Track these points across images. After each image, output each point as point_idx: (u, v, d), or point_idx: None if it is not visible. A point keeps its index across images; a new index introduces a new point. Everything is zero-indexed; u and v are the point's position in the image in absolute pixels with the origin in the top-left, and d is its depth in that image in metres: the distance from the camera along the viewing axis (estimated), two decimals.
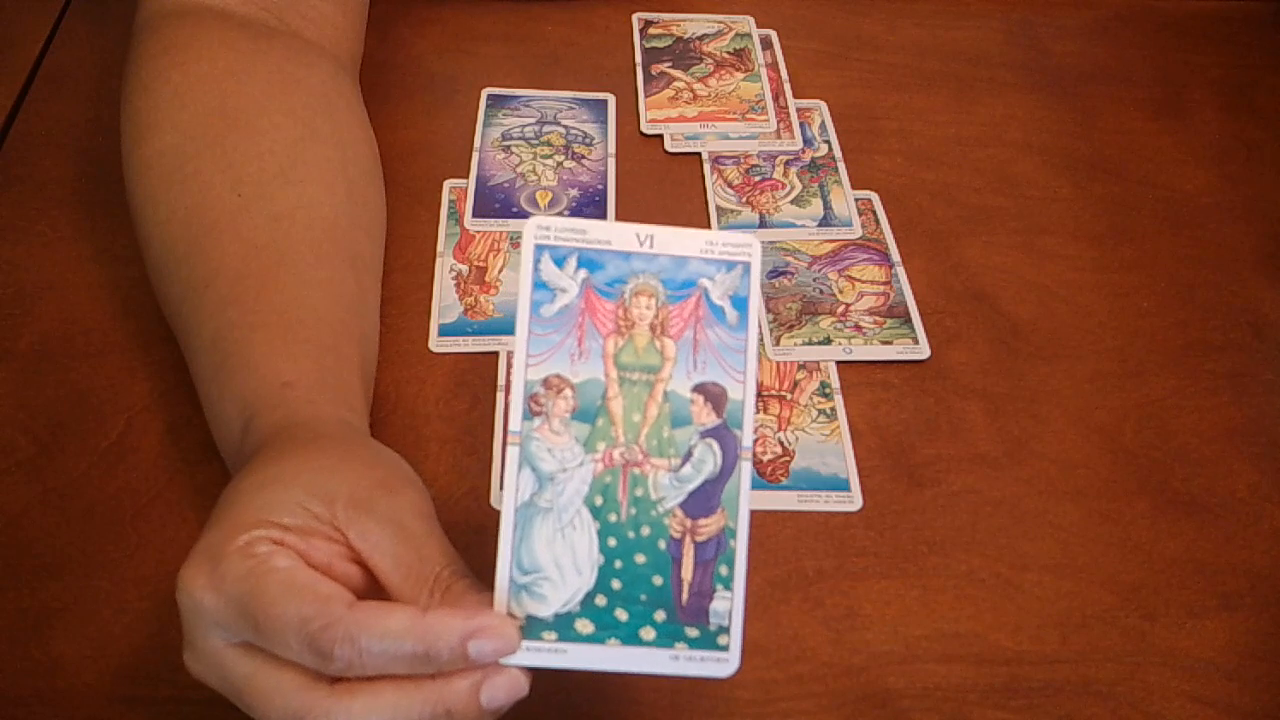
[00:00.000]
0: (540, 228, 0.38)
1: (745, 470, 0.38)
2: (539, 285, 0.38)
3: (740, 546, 0.38)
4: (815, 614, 0.51)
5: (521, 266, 0.38)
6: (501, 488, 0.38)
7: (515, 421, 0.38)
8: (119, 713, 0.47)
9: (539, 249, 0.38)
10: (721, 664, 0.38)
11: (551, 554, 0.37)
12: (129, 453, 0.54)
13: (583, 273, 0.38)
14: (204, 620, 0.37)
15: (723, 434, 0.38)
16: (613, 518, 0.38)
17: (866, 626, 0.50)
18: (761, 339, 0.60)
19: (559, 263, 0.38)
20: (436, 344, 0.59)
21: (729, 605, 0.38)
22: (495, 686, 0.36)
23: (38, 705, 0.47)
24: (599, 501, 0.38)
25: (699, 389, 0.38)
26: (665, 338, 0.38)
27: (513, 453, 0.37)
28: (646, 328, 0.38)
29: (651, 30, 0.77)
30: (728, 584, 0.38)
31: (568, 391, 0.38)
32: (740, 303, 0.39)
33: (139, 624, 0.49)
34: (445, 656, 0.36)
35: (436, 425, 0.56)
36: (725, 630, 0.38)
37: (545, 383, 0.38)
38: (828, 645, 0.50)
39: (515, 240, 0.64)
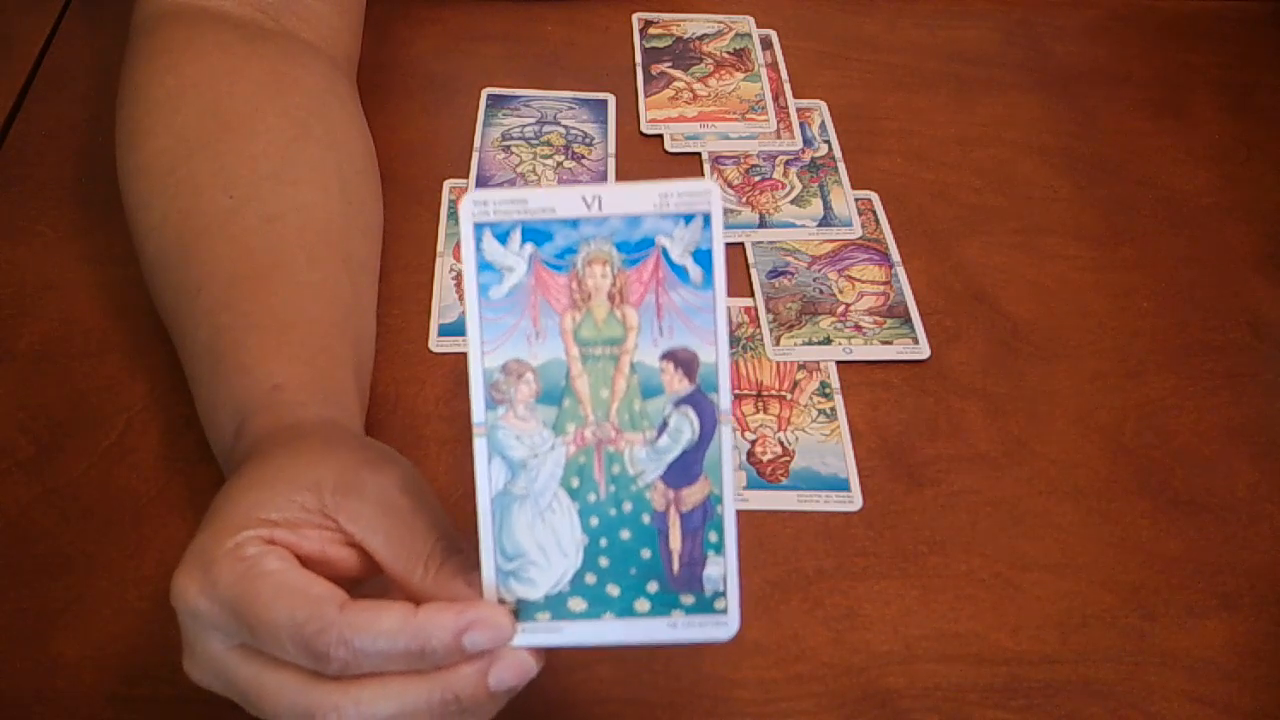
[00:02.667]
0: (477, 203, 0.35)
1: (726, 434, 0.36)
2: (484, 266, 0.36)
3: (728, 512, 0.37)
4: (815, 614, 0.51)
5: (462, 248, 0.36)
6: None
7: (478, 413, 0.36)
8: (119, 713, 0.47)
9: (479, 227, 0.36)
10: (721, 627, 0.37)
11: (534, 539, 0.37)
12: (129, 453, 0.54)
13: (529, 247, 0.36)
14: (201, 625, 0.37)
15: (698, 400, 0.36)
16: (592, 497, 0.37)
17: (866, 626, 0.50)
18: (761, 339, 0.60)
19: (502, 239, 0.36)
20: (436, 344, 0.59)
21: (722, 570, 0.37)
22: (503, 670, 0.36)
23: (38, 705, 0.47)
24: (575, 483, 0.37)
25: (668, 356, 0.36)
26: (626, 306, 0.36)
27: (480, 444, 0.36)
28: (604, 298, 0.36)
29: (651, 30, 0.77)
30: (719, 549, 0.37)
31: (529, 375, 0.36)
32: (704, 257, 0.36)
33: (139, 624, 0.49)
34: (441, 653, 0.36)
35: (436, 425, 0.56)
36: (721, 594, 0.37)
37: (504, 369, 0.36)
38: (828, 645, 0.50)
39: None
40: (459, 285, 0.62)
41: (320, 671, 0.36)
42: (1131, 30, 0.80)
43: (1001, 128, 0.73)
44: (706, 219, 0.36)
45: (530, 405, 0.36)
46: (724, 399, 0.36)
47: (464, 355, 0.58)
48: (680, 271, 0.36)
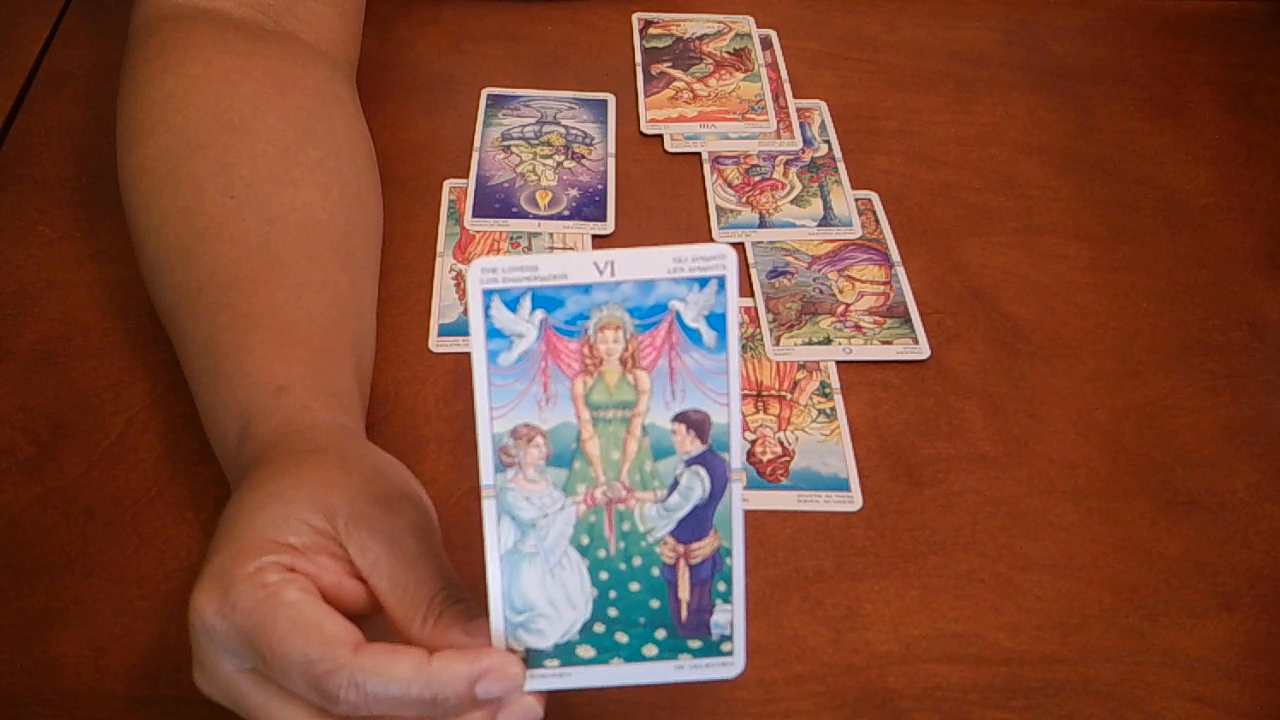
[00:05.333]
0: (486, 270, 0.35)
1: (736, 491, 0.36)
2: (493, 333, 0.35)
3: (737, 564, 0.37)
4: (815, 614, 0.51)
5: (470, 315, 0.35)
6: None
7: (487, 475, 0.36)
8: (119, 713, 0.47)
9: (487, 294, 0.35)
10: (727, 667, 0.38)
11: (544, 593, 0.37)
12: (129, 453, 0.54)
13: (539, 313, 0.35)
14: (215, 645, 0.38)
15: (709, 459, 0.36)
16: (601, 554, 0.37)
17: (866, 626, 0.50)
18: (761, 339, 0.60)
19: (511, 306, 0.35)
20: (436, 344, 0.59)
21: (729, 617, 0.37)
22: (510, 716, 0.37)
23: (38, 705, 0.47)
24: (585, 540, 0.36)
25: (680, 418, 0.36)
26: (638, 370, 0.36)
27: (489, 506, 0.36)
28: (616, 363, 0.36)
29: (651, 30, 0.77)
30: (726, 598, 0.37)
31: (539, 439, 0.36)
32: (717, 321, 0.35)
33: (139, 624, 0.49)
34: (453, 702, 0.36)
35: (436, 425, 0.56)
36: (728, 638, 0.37)
37: (513, 433, 0.36)
38: (828, 645, 0.50)
39: (515, 240, 0.64)
40: (459, 285, 0.62)
41: (329, 710, 0.36)
42: (1131, 30, 0.80)
43: (1001, 128, 0.73)
44: (721, 283, 0.35)
45: (540, 468, 0.36)
46: (735, 458, 0.36)
47: (464, 355, 0.59)
48: (694, 335, 0.36)
